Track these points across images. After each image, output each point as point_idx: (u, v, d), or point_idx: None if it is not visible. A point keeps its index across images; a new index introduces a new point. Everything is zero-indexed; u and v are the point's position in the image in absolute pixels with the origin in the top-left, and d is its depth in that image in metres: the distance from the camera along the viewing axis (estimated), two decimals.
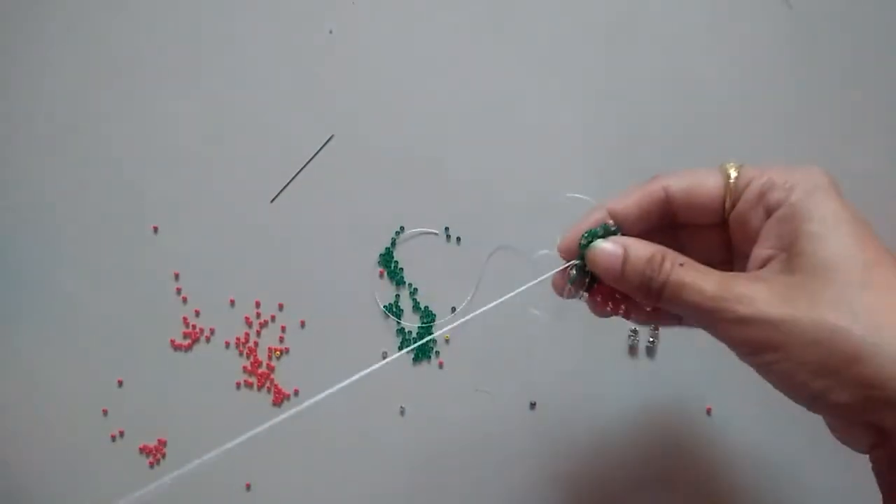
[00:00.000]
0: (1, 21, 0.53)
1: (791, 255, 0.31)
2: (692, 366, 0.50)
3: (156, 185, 0.53)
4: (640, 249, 0.34)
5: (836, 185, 0.32)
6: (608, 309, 0.37)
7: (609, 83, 0.51)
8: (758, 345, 0.30)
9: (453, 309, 0.52)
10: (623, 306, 0.37)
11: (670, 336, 0.50)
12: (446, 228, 0.52)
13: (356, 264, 0.52)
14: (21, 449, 0.52)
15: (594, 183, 0.51)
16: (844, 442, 0.32)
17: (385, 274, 0.52)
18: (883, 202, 0.51)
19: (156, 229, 0.53)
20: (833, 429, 0.33)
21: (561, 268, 0.37)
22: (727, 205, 0.34)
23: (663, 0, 0.51)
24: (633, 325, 0.50)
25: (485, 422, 0.51)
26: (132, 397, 0.52)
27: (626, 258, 0.34)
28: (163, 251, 0.53)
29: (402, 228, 0.52)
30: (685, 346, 0.50)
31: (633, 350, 0.50)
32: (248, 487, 0.52)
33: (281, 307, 0.52)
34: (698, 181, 0.35)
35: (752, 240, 0.33)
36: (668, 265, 0.33)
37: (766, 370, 0.30)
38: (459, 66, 0.52)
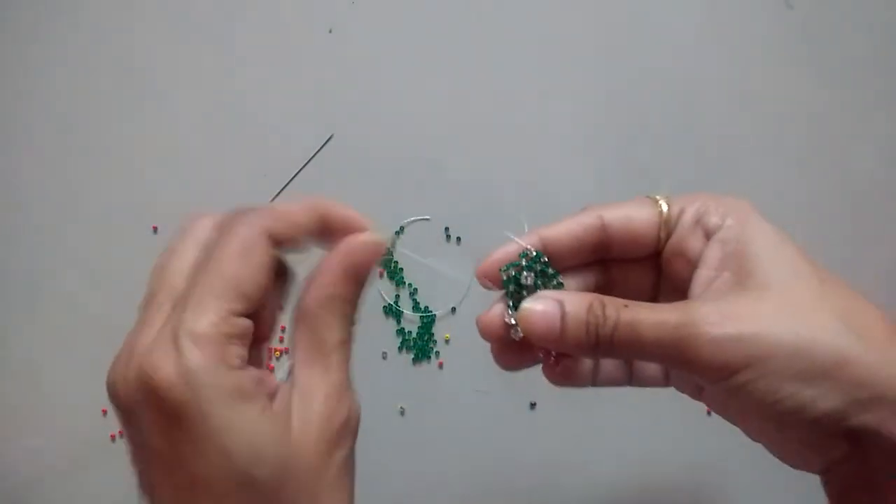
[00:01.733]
0: (1, 21, 0.53)
1: (741, 276, 0.30)
2: None
3: (156, 185, 0.53)
4: (577, 299, 0.30)
5: (760, 212, 0.32)
6: (549, 361, 0.34)
7: (609, 83, 0.51)
8: (736, 364, 0.28)
9: (453, 309, 0.52)
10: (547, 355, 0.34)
11: None
12: (446, 228, 0.52)
13: None
14: (21, 449, 0.52)
15: (594, 182, 0.51)
16: (797, 464, 0.32)
17: (385, 274, 0.52)
18: (883, 202, 0.51)
19: (155, 229, 0.53)
20: (788, 451, 0.32)
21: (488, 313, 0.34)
22: (662, 234, 0.33)
23: (663, 0, 0.51)
24: None
25: (485, 422, 0.51)
26: None
27: (563, 314, 0.30)
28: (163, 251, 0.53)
29: (402, 228, 0.52)
30: None
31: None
32: None
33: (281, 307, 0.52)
34: (633, 211, 0.34)
35: (690, 266, 0.33)
36: (611, 310, 0.30)
37: (743, 392, 0.28)
38: (459, 67, 0.52)
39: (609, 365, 0.36)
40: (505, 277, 0.33)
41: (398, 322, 0.52)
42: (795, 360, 0.28)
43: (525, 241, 0.33)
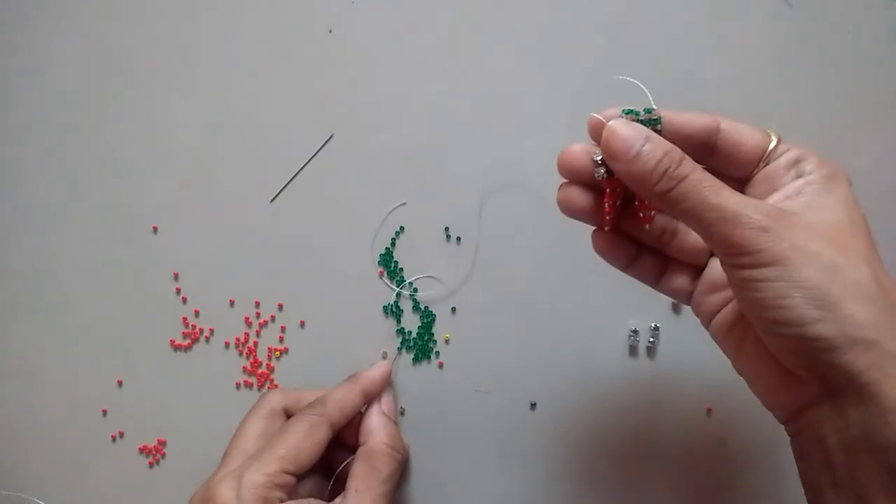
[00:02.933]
0: (1, 21, 0.53)
1: (807, 203, 0.33)
2: (692, 366, 0.50)
3: (156, 185, 0.53)
4: (662, 141, 0.33)
5: (841, 177, 0.35)
6: (606, 209, 0.37)
7: (609, 83, 0.51)
8: (772, 256, 0.30)
9: (453, 309, 0.52)
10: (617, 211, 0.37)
11: (670, 336, 0.50)
12: (446, 228, 0.52)
13: (356, 264, 0.52)
14: (21, 449, 0.52)
15: None
16: (773, 400, 0.35)
17: (385, 274, 0.52)
18: (883, 202, 0.51)
19: (156, 229, 0.53)
20: (769, 378, 0.34)
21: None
22: (761, 163, 0.36)
23: (663, 0, 0.51)
24: (633, 326, 0.50)
25: (485, 422, 0.51)
26: (132, 397, 0.52)
27: (644, 142, 0.33)
28: (163, 251, 0.53)
29: (402, 228, 0.52)
30: (685, 346, 0.50)
31: (633, 350, 0.50)
32: None
33: (280, 307, 0.52)
34: (747, 130, 0.36)
35: (768, 196, 0.35)
36: (688, 163, 0.33)
37: (761, 286, 0.31)
38: (459, 66, 0.52)
39: (647, 259, 0.39)
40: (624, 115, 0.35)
41: (398, 322, 0.52)
42: (820, 279, 0.30)
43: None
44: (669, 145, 0.33)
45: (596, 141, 0.36)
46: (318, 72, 0.52)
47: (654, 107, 0.35)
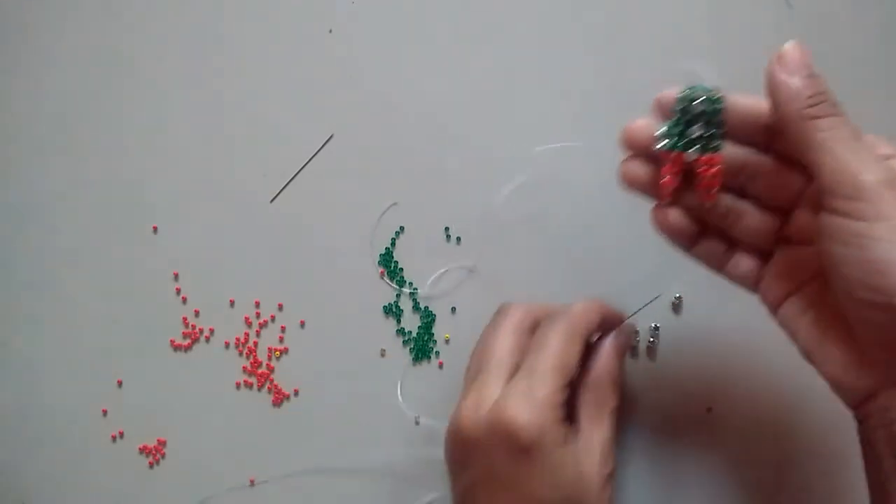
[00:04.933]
0: (1, 21, 0.53)
1: None
2: (692, 366, 0.50)
3: (156, 185, 0.53)
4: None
5: None
6: (667, 181, 0.37)
7: (608, 84, 0.51)
8: (878, 213, 0.30)
9: (453, 309, 0.52)
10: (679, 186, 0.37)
11: (670, 336, 0.50)
12: (446, 228, 0.52)
13: (356, 264, 0.52)
14: (21, 449, 0.52)
15: (594, 183, 0.51)
16: (841, 379, 0.34)
17: (385, 274, 0.52)
18: None
19: (156, 229, 0.53)
20: (840, 353, 0.34)
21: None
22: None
23: (662, 0, 0.51)
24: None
25: None
26: (132, 397, 0.52)
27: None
28: (163, 251, 0.53)
29: (402, 228, 0.52)
30: (685, 346, 0.50)
31: (633, 350, 0.50)
32: (252, 483, 0.52)
33: (281, 307, 0.52)
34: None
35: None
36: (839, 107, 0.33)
37: (866, 242, 0.30)
38: (460, 66, 0.52)
39: (711, 241, 0.39)
40: (679, 106, 0.36)
41: (398, 322, 0.52)
42: None
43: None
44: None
45: (662, 117, 0.37)
46: (318, 72, 0.52)
47: (717, 87, 0.36)
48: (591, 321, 0.43)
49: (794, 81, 0.33)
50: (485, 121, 0.51)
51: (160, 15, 0.53)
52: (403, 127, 0.52)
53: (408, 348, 0.52)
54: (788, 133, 0.34)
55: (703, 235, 0.39)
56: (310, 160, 0.52)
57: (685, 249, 0.39)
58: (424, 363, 0.52)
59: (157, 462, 0.52)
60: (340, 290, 0.52)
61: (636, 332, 0.49)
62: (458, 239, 0.52)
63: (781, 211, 0.38)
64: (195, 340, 0.52)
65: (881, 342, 0.31)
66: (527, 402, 0.38)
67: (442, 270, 0.51)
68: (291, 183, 0.52)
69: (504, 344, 0.43)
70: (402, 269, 0.52)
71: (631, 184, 0.38)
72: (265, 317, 0.52)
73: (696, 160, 0.36)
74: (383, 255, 0.52)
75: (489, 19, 0.52)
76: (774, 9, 0.50)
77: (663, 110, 0.37)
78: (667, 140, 0.36)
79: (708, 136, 0.36)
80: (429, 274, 0.52)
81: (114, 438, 0.52)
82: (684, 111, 0.36)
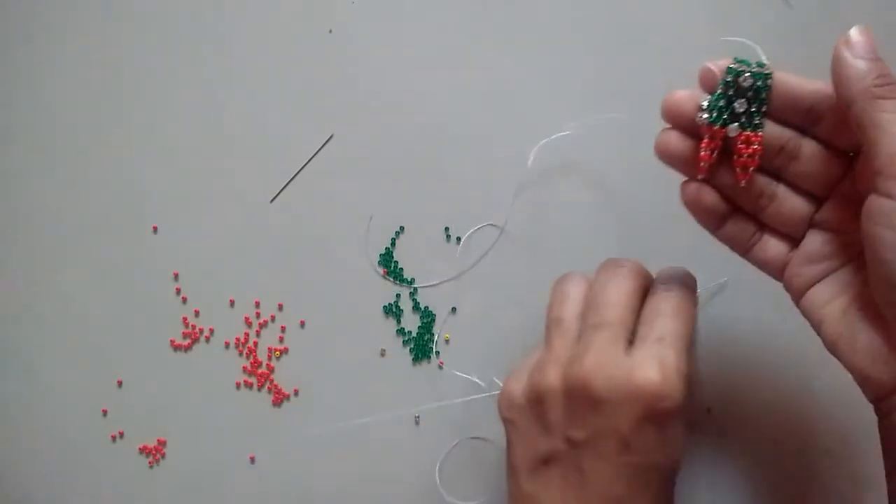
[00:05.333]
0: (1, 21, 0.53)
1: None
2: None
3: (156, 185, 0.53)
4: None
5: None
6: (703, 155, 0.36)
7: (608, 84, 0.51)
8: None
9: (454, 309, 0.52)
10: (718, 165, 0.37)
11: None
12: (446, 228, 0.52)
13: (356, 264, 0.52)
14: (21, 449, 0.52)
15: (594, 183, 0.51)
16: (869, 377, 0.34)
17: (385, 274, 0.52)
18: None
19: (156, 229, 0.53)
20: (867, 341, 0.34)
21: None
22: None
23: (662, 0, 0.51)
24: None
25: (485, 420, 0.51)
26: (132, 397, 0.52)
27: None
28: (163, 251, 0.53)
29: (402, 228, 0.52)
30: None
31: None
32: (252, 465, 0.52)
33: (280, 307, 0.52)
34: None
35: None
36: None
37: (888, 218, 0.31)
38: (460, 66, 0.52)
39: (739, 222, 0.38)
40: (727, 78, 0.36)
41: (398, 322, 0.52)
42: None
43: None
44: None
45: (706, 89, 0.37)
46: (318, 72, 0.52)
47: (766, 62, 0.36)
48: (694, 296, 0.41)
49: (861, 63, 0.34)
50: (485, 120, 0.51)
51: (160, 15, 0.53)
52: (403, 127, 0.52)
53: (408, 348, 0.52)
54: (852, 112, 0.34)
55: (732, 216, 0.38)
56: (310, 160, 0.52)
57: (713, 229, 0.39)
58: (424, 363, 0.52)
59: (157, 462, 0.52)
60: (340, 290, 0.52)
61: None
62: (458, 239, 0.52)
63: (815, 197, 0.37)
64: (195, 340, 0.52)
65: (879, 336, 0.31)
66: (678, 379, 0.36)
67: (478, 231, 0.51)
68: (291, 183, 0.52)
69: (628, 301, 0.40)
70: (402, 269, 0.52)
71: (667, 156, 0.38)
72: (265, 317, 0.52)
73: (736, 137, 0.36)
74: (383, 255, 0.52)
75: (489, 19, 0.52)
76: (774, 9, 0.50)
77: (709, 82, 0.36)
78: (709, 113, 0.36)
79: (751, 113, 0.36)
80: (429, 274, 0.52)
81: (114, 438, 0.52)
82: (730, 84, 0.36)
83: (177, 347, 0.52)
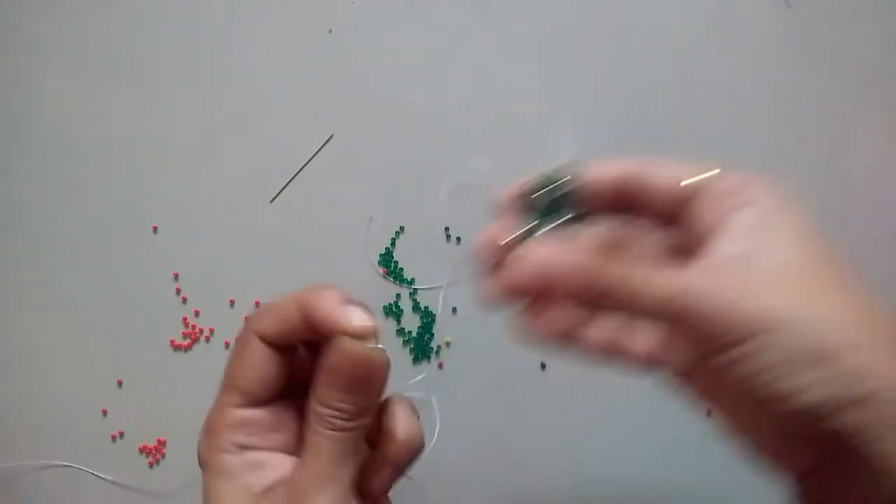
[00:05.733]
0: (1, 21, 0.53)
1: (759, 247, 0.29)
2: None
3: (156, 185, 0.53)
4: (575, 248, 0.30)
5: (794, 202, 0.31)
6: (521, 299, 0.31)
7: (608, 84, 0.51)
8: (747, 330, 0.27)
9: (454, 309, 0.51)
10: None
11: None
12: (446, 228, 0.52)
13: (356, 264, 0.52)
14: (21, 449, 0.52)
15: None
16: (772, 465, 0.30)
17: (385, 274, 0.52)
18: (883, 202, 0.51)
19: (155, 229, 0.53)
20: (764, 447, 0.30)
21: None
22: (691, 199, 0.32)
23: (662, 0, 0.51)
24: None
25: (484, 421, 0.51)
26: (132, 397, 0.52)
27: (561, 259, 0.30)
28: (162, 251, 0.53)
29: (402, 228, 0.52)
30: None
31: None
32: None
33: None
34: (674, 168, 0.32)
35: (707, 234, 0.31)
36: (615, 265, 0.29)
37: (740, 366, 0.27)
38: (459, 66, 0.52)
39: (593, 331, 0.32)
40: (532, 195, 0.32)
41: (398, 322, 0.52)
42: (803, 337, 0.27)
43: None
44: (573, 259, 0.29)
45: (515, 214, 0.32)
46: (318, 72, 0.52)
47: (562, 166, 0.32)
48: (275, 319, 0.33)
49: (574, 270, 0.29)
50: (485, 120, 0.51)
51: (160, 15, 0.53)
52: (403, 127, 0.52)
53: (408, 348, 0.52)
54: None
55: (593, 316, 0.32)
56: (310, 160, 0.52)
57: (565, 347, 0.32)
58: (424, 363, 0.52)
59: (157, 462, 0.52)
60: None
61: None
62: (458, 239, 0.52)
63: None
64: (195, 340, 0.52)
65: (798, 435, 0.28)
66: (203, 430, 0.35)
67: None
68: (291, 183, 0.52)
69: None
70: (402, 269, 0.52)
71: (509, 296, 0.32)
72: None
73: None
74: (383, 255, 0.52)
75: (489, 19, 0.52)
76: (774, 9, 0.50)
77: (516, 207, 0.32)
78: (526, 238, 0.31)
79: (568, 221, 0.32)
80: (429, 274, 0.52)
81: (114, 438, 0.52)
82: (532, 204, 0.32)
83: (177, 347, 0.52)
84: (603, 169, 0.33)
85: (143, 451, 0.52)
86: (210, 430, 0.34)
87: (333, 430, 0.32)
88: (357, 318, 0.32)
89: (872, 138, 0.50)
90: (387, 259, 0.52)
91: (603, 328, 0.31)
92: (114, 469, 0.52)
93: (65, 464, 0.52)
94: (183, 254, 0.52)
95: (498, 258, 0.31)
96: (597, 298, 0.29)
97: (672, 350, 0.31)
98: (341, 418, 0.32)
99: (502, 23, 0.51)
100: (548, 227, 0.31)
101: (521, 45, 0.51)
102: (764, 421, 0.28)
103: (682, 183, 0.32)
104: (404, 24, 0.52)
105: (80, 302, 0.53)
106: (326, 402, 0.32)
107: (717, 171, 0.32)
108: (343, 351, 0.32)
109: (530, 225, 0.32)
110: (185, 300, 0.52)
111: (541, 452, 0.51)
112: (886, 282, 0.52)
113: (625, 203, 0.33)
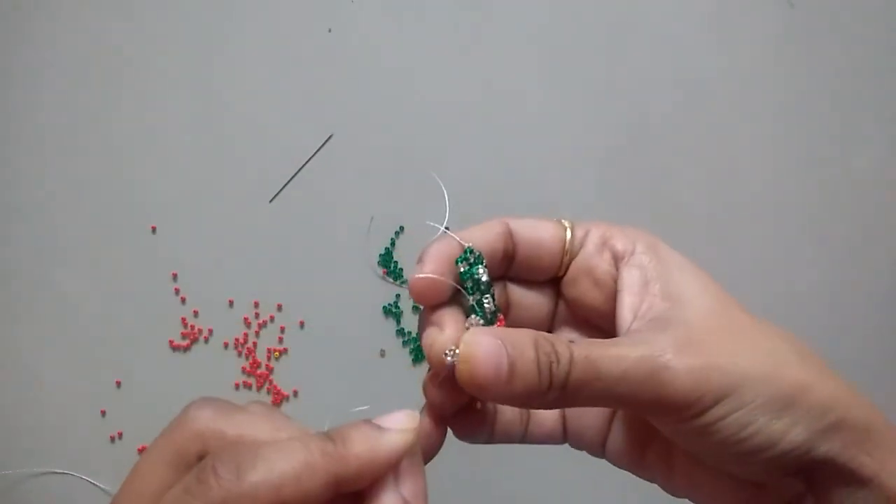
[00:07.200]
0: (1, 21, 0.53)
1: (672, 303, 0.28)
2: None
3: (155, 185, 0.53)
4: (520, 336, 0.27)
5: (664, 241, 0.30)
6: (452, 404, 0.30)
7: (610, 84, 0.51)
8: (712, 396, 0.26)
9: None
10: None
11: None
12: (446, 228, 0.52)
13: (356, 264, 0.52)
14: (21, 449, 0.52)
15: (594, 182, 0.51)
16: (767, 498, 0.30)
17: (385, 274, 0.52)
18: (884, 201, 0.51)
19: (154, 229, 0.53)
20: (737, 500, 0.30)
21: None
22: (566, 258, 0.31)
23: (664, 0, 0.51)
24: None
25: None
26: (131, 398, 0.52)
27: (508, 355, 0.26)
28: (162, 251, 0.53)
29: (401, 228, 0.52)
30: None
31: None
32: None
33: (280, 307, 0.52)
34: (539, 224, 0.31)
35: (597, 290, 0.30)
36: (561, 346, 0.26)
37: (713, 429, 0.26)
38: (459, 66, 0.52)
39: (506, 414, 0.33)
40: (462, 269, 0.30)
41: (398, 322, 0.52)
42: (766, 388, 0.26)
43: (445, 243, 0.30)
44: (531, 333, 0.27)
45: (430, 305, 0.31)
46: (318, 72, 0.52)
47: (469, 245, 0.30)
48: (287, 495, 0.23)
49: (514, 391, 0.27)
50: (484, 120, 0.51)
51: (160, 15, 0.53)
52: (403, 127, 0.52)
53: (408, 349, 0.52)
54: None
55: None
56: (309, 160, 0.52)
57: (488, 441, 0.33)
58: (424, 363, 0.52)
59: None
60: (340, 290, 0.52)
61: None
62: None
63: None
64: (194, 340, 0.52)
65: (779, 476, 0.28)
66: None
67: None
68: (291, 183, 0.52)
69: (149, 483, 0.27)
70: (402, 269, 0.52)
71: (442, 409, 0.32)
72: (264, 317, 0.52)
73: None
74: (383, 255, 0.52)
75: (489, 19, 0.51)
76: (775, 9, 0.50)
77: (436, 290, 0.31)
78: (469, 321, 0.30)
79: (484, 302, 0.30)
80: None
81: (113, 439, 0.52)
82: (474, 280, 0.30)
83: (176, 348, 0.52)
84: (482, 232, 0.32)
85: (143, 451, 0.52)
86: None
87: None
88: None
89: (873, 138, 0.50)
90: (387, 259, 0.52)
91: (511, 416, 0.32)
92: (113, 470, 0.52)
93: (62, 471, 0.52)
94: (182, 254, 0.52)
95: (448, 371, 0.29)
96: (551, 388, 0.26)
97: (579, 433, 0.32)
98: None
99: (502, 22, 0.51)
100: (486, 305, 0.30)
101: (521, 44, 0.51)
102: (746, 469, 0.28)
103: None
104: (404, 24, 0.52)
105: (79, 302, 0.53)
106: None
107: (569, 228, 0.31)
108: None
109: (470, 317, 0.30)
110: (184, 300, 0.52)
111: (541, 452, 0.51)
112: (888, 278, 0.52)
113: (500, 271, 0.32)
